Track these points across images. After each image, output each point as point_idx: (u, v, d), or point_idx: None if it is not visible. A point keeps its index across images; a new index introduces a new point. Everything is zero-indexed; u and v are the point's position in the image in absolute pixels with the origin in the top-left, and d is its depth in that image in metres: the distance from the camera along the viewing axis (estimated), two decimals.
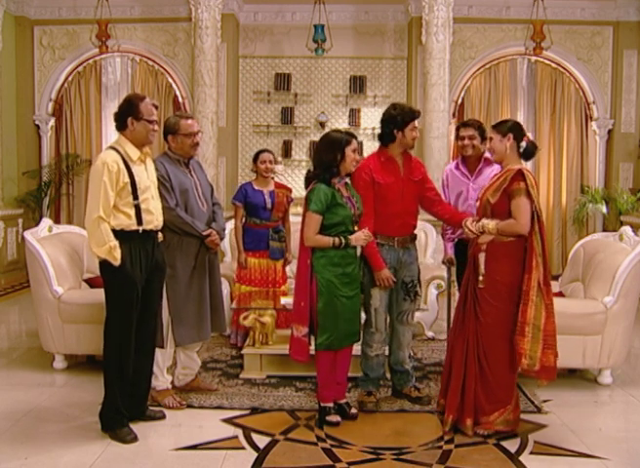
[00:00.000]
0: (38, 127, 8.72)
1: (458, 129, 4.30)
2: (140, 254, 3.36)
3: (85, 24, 8.23)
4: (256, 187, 5.00)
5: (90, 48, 8.25)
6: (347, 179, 3.67)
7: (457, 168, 4.31)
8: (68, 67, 8.65)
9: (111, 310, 3.38)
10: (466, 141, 4.13)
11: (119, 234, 3.30)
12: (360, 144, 8.40)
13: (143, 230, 3.37)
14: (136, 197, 3.32)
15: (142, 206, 3.35)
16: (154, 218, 3.43)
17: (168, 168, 3.73)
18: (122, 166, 3.29)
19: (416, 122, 3.70)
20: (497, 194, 3.35)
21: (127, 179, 3.29)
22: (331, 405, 3.62)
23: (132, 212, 3.32)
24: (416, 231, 3.90)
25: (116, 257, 3.24)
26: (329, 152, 3.52)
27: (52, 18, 8.53)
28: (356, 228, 3.56)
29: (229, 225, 6.41)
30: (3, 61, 7.93)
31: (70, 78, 8.67)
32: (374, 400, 3.82)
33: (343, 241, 3.46)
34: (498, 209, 3.36)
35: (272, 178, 5.14)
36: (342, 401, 3.70)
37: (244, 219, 5.06)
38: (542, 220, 3.35)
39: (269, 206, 4.96)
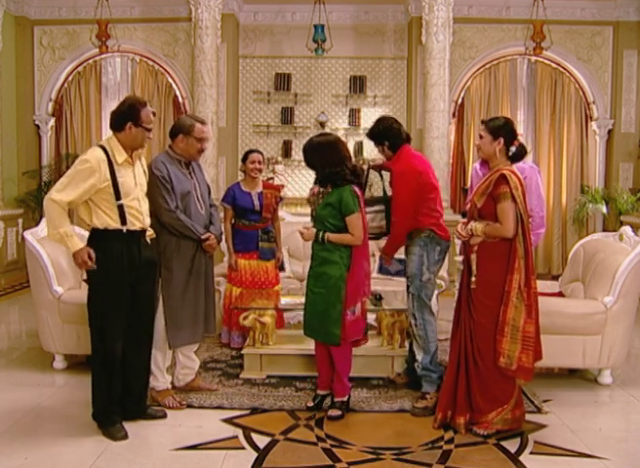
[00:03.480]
0: (38, 127, 8.72)
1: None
2: (124, 255, 3.34)
3: (85, 24, 8.24)
4: (244, 189, 4.97)
5: (90, 48, 8.25)
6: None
7: (480, 168, 4.38)
8: (68, 67, 8.65)
9: (93, 311, 3.36)
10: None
11: (102, 233, 3.30)
12: (360, 144, 8.54)
13: (127, 230, 3.35)
14: (118, 198, 3.30)
15: (127, 207, 3.33)
16: (140, 219, 3.41)
17: (169, 168, 3.70)
18: (105, 166, 3.27)
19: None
20: (482, 198, 3.39)
21: (108, 182, 3.28)
22: (319, 392, 3.82)
23: (114, 211, 3.30)
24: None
25: (69, 246, 3.22)
26: (346, 155, 3.70)
27: (52, 18, 8.53)
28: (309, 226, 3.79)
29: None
30: (3, 61, 7.93)
31: (70, 78, 8.67)
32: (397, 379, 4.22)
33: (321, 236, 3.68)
34: (484, 212, 3.40)
35: (272, 179, 5.13)
36: (337, 399, 3.71)
37: (233, 221, 5.04)
38: (526, 222, 3.35)
39: (257, 208, 4.93)
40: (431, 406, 3.71)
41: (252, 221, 4.95)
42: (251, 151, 5.04)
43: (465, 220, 3.56)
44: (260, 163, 4.97)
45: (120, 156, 3.34)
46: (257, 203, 4.93)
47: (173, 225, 3.68)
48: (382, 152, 3.99)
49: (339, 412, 3.65)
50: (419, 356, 3.87)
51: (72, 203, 3.27)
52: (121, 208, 3.31)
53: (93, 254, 3.25)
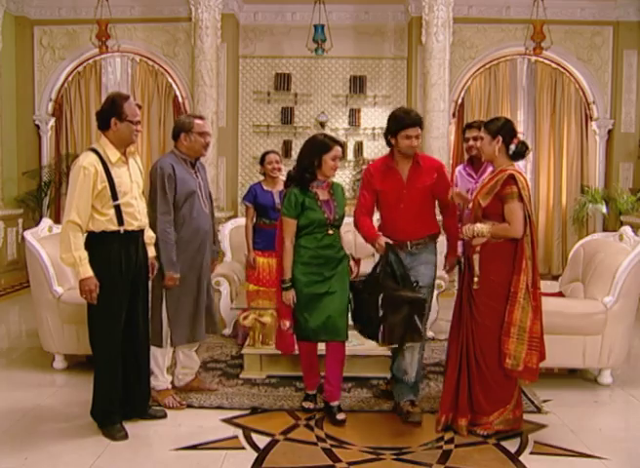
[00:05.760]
0: (38, 127, 8.72)
1: (464, 131, 4.39)
2: (122, 256, 3.33)
3: (85, 24, 8.24)
4: (265, 188, 5.04)
5: (90, 48, 8.25)
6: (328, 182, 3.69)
7: (464, 168, 4.41)
8: (68, 67, 8.65)
9: (94, 313, 3.36)
10: (471, 142, 4.22)
11: (100, 236, 3.28)
12: (360, 144, 8.54)
13: (125, 231, 3.34)
14: (115, 199, 3.29)
15: (123, 207, 3.31)
16: (137, 218, 3.40)
17: (176, 168, 3.69)
18: (100, 168, 3.25)
19: (410, 130, 3.57)
20: (488, 197, 3.36)
21: (105, 183, 3.25)
22: (310, 392, 3.79)
23: (111, 213, 3.28)
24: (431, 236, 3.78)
25: (81, 271, 3.19)
26: (308, 156, 3.58)
27: (52, 18, 8.53)
28: (330, 231, 3.59)
29: (229, 226, 6.43)
30: (3, 61, 7.92)
31: (70, 78, 8.67)
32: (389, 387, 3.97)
33: (287, 282, 3.56)
34: (489, 211, 3.38)
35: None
36: (334, 403, 3.65)
37: (255, 219, 5.09)
38: (533, 223, 3.36)
39: (278, 206, 4.96)
40: (422, 408, 3.68)
41: (272, 220, 4.97)
42: (267, 152, 5.12)
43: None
44: (277, 162, 5.05)
45: (113, 155, 3.32)
46: (277, 201, 4.96)
47: (161, 231, 3.60)
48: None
49: (345, 415, 3.63)
50: (411, 370, 3.69)
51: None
52: (118, 208, 3.30)
53: (98, 287, 3.24)
